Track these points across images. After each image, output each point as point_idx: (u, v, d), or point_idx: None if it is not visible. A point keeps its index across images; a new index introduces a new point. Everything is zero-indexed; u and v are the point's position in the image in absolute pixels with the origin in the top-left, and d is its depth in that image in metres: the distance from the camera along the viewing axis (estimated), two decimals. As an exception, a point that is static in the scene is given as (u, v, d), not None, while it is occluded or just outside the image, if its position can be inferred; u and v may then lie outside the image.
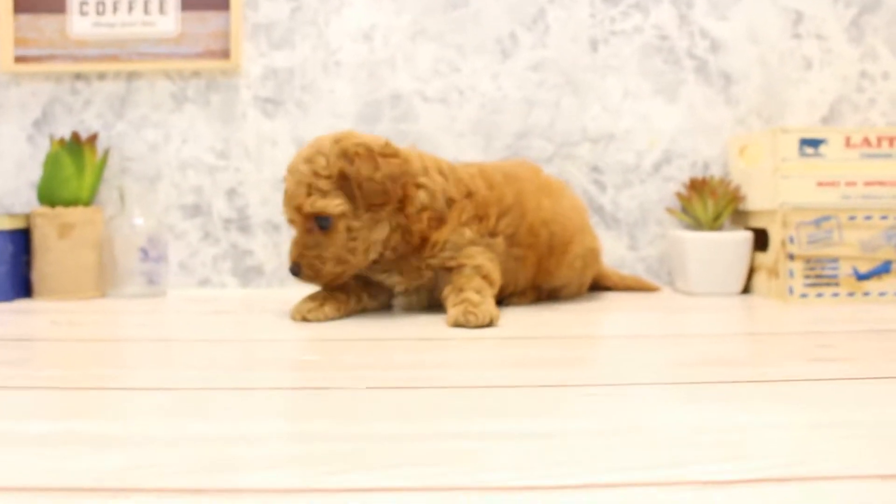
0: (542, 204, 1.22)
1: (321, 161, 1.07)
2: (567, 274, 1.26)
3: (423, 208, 1.10)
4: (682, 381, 0.73)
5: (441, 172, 1.14)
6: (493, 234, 1.16)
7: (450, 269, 1.12)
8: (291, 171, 1.10)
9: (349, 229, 1.07)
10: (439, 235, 1.11)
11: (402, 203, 1.09)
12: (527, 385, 0.71)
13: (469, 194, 1.14)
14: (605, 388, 0.71)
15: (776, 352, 0.88)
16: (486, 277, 1.11)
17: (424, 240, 1.12)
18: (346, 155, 1.06)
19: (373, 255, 1.11)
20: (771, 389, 0.70)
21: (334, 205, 1.06)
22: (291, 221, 1.11)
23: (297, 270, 1.09)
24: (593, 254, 1.30)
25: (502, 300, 1.22)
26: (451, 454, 0.51)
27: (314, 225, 1.08)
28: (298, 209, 1.08)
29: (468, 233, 1.12)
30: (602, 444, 0.54)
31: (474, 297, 1.05)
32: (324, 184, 1.06)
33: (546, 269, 1.24)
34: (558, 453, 0.52)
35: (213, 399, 0.66)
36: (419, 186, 1.10)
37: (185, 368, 0.79)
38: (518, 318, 1.11)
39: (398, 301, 1.20)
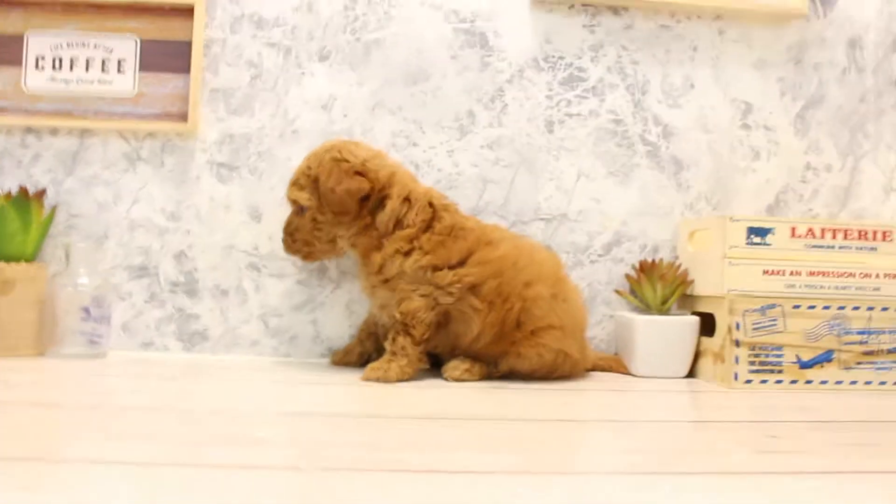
0: (530, 282, 1.26)
1: (314, 161, 1.28)
2: (532, 360, 1.26)
3: (384, 223, 1.26)
4: (636, 472, 0.73)
5: (409, 200, 1.27)
6: (439, 269, 1.24)
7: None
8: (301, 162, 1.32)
9: (314, 220, 1.29)
10: (376, 256, 1.26)
11: (372, 213, 1.27)
12: (482, 471, 0.70)
13: (428, 228, 1.26)
14: (560, 476, 0.70)
15: (726, 441, 0.89)
16: (409, 329, 1.23)
17: (367, 253, 1.28)
18: (321, 165, 1.26)
19: (342, 246, 1.31)
20: (723, 482, 0.71)
21: (304, 197, 1.28)
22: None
23: (284, 237, 1.33)
24: (570, 361, 1.29)
25: (453, 350, 1.28)
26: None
27: (298, 209, 1.30)
28: (287, 193, 1.31)
29: (406, 264, 1.24)
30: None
31: (382, 364, 1.22)
32: (304, 181, 1.28)
33: (510, 340, 1.25)
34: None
35: (165, 476, 0.64)
36: (383, 205, 1.26)
37: (132, 440, 0.77)
38: (462, 398, 1.11)
39: (379, 317, 1.33)
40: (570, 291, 1.32)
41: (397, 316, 1.24)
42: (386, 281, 1.25)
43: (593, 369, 1.39)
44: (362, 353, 1.37)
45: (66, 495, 0.58)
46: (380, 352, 1.30)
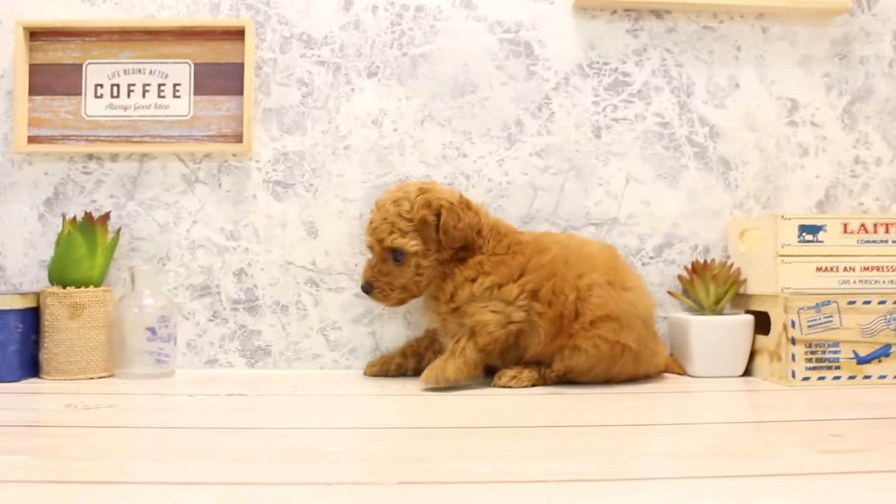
0: (582, 273, 1.28)
1: (406, 205, 1.28)
2: (589, 352, 1.25)
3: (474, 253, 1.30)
4: (698, 476, 0.74)
5: (481, 231, 1.31)
6: (503, 285, 1.27)
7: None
8: (379, 207, 1.31)
9: (418, 266, 1.29)
10: (448, 285, 1.29)
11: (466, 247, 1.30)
12: (548, 480, 0.72)
13: (493, 252, 1.29)
14: (627, 482, 0.72)
15: (786, 441, 0.90)
16: (474, 335, 1.26)
17: (439, 284, 1.31)
18: (429, 206, 1.28)
19: (429, 287, 1.32)
20: (786, 484, 0.71)
21: (411, 244, 1.27)
22: (370, 248, 1.32)
23: (368, 289, 1.31)
24: (630, 355, 1.28)
25: (519, 362, 1.30)
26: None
27: (389, 256, 1.29)
28: (380, 241, 1.29)
29: (474, 288, 1.27)
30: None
31: (439, 362, 1.25)
32: (405, 225, 1.27)
33: (568, 334, 1.26)
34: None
35: (240, 495, 0.67)
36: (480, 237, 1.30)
37: (203, 459, 0.80)
38: (521, 406, 1.12)
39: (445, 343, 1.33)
40: (629, 280, 1.31)
41: (467, 323, 1.26)
42: (456, 309, 1.28)
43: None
44: (400, 364, 1.39)
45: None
46: (417, 372, 1.34)
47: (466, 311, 1.27)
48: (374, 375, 1.38)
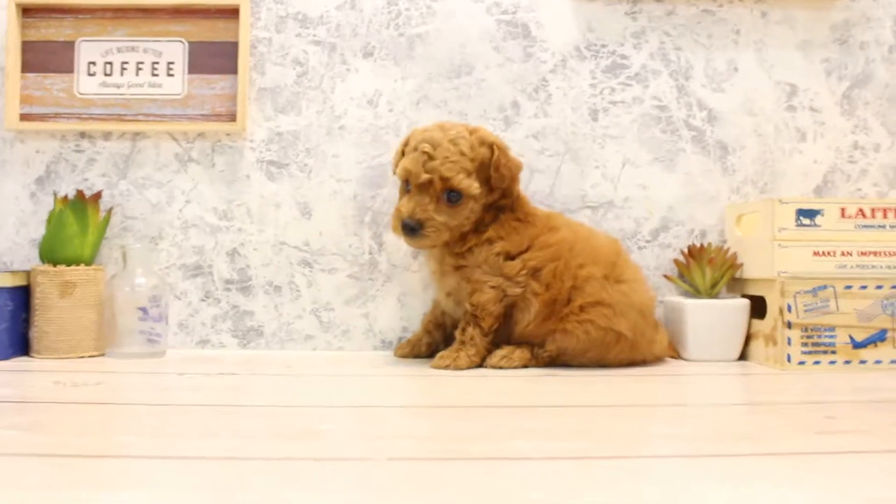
0: (584, 264, 1.28)
1: (464, 144, 1.23)
2: (580, 337, 1.25)
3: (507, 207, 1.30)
4: (695, 455, 0.74)
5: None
6: (511, 257, 1.27)
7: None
8: (435, 144, 1.23)
9: (472, 209, 1.25)
10: (471, 238, 1.28)
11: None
12: (543, 458, 0.71)
13: (515, 218, 1.30)
14: (623, 461, 0.71)
15: (783, 423, 0.89)
16: (478, 320, 1.27)
17: (458, 236, 1.28)
18: (484, 143, 1.25)
19: None
20: (783, 464, 0.71)
21: (475, 186, 1.23)
22: (423, 185, 1.23)
23: (418, 228, 1.23)
24: (624, 342, 1.27)
25: (508, 339, 1.30)
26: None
27: (444, 196, 1.23)
28: (445, 180, 1.22)
29: (487, 253, 1.27)
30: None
31: (451, 353, 1.27)
32: (469, 165, 1.23)
33: (559, 317, 1.26)
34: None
35: (231, 471, 0.66)
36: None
37: (196, 436, 0.79)
38: (517, 387, 1.12)
39: (444, 304, 1.35)
40: (627, 273, 1.30)
41: (468, 307, 1.27)
42: (458, 268, 1.28)
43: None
44: (430, 343, 1.39)
45: (132, 492, 0.60)
46: (447, 342, 1.34)
47: (470, 277, 1.27)
48: (405, 357, 1.38)
